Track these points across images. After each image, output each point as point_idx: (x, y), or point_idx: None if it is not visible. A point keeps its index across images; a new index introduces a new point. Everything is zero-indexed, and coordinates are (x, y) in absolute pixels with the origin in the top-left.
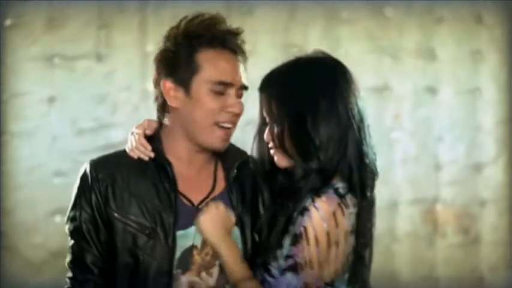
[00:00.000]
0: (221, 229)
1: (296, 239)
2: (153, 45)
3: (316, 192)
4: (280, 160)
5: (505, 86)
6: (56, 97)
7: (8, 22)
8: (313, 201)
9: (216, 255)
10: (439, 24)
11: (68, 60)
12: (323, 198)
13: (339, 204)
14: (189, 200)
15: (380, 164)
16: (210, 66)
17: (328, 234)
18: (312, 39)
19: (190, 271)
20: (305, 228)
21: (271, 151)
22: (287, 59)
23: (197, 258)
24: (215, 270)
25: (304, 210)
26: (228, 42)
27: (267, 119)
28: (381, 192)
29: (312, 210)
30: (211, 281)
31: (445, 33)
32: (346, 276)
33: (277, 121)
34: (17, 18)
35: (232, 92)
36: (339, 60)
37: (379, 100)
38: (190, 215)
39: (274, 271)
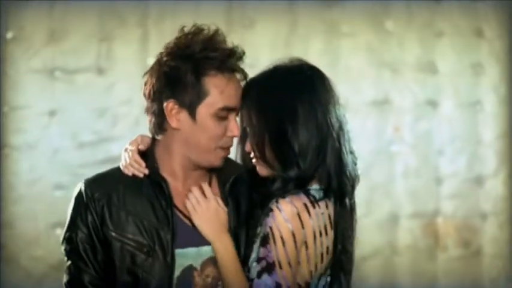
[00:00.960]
0: (214, 224)
1: (264, 240)
2: (154, 58)
3: (282, 193)
4: (261, 169)
5: (505, 98)
6: (56, 110)
7: (9, 35)
8: (276, 201)
9: (218, 277)
10: (440, 37)
11: (69, 73)
12: (287, 199)
13: (305, 204)
14: (186, 217)
15: (380, 177)
16: (218, 92)
17: (293, 234)
18: (312, 53)
19: None
20: (271, 228)
21: (253, 161)
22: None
23: (198, 280)
24: None
25: (269, 211)
26: (235, 66)
27: (247, 130)
28: (382, 206)
29: (275, 210)
30: None
31: (446, 46)
32: (326, 280)
33: (257, 132)
34: (18, 31)
35: (233, 115)
36: (317, 68)
37: (379, 113)
38: (188, 233)
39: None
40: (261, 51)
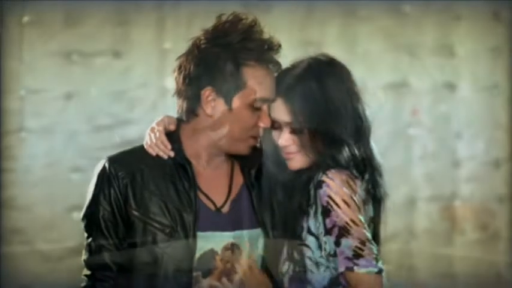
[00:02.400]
0: None
1: (326, 211)
2: (171, 42)
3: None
4: (297, 162)
5: None
6: (73, 94)
7: (26, 19)
8: (324, 173)
9: (237, 262)
10: (457, 21)
11: (86, 56)
12: (333, 170)
13: (348, 175)
14: (211, 200)
15: (398, 160)
16: (256, 83)
17: (351, 196)
18: (329, 37)
19: (212, 275)
20: (329, 196)
21: (288, 155)
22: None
23: (219, 264)
24: (236, 277)
25: (320, 183)
26: (272, 58)
27: (286, 126)
28: (399, 189)
29: (327, 180)
30: (232, 287)
31: (463, 30)
32: None
33: (307, 128)
34: (34, 15)
35: (265, 106)
36: (343, 63)
37: (397, 96)
38: (211, 217)
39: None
40: (277, 36)
